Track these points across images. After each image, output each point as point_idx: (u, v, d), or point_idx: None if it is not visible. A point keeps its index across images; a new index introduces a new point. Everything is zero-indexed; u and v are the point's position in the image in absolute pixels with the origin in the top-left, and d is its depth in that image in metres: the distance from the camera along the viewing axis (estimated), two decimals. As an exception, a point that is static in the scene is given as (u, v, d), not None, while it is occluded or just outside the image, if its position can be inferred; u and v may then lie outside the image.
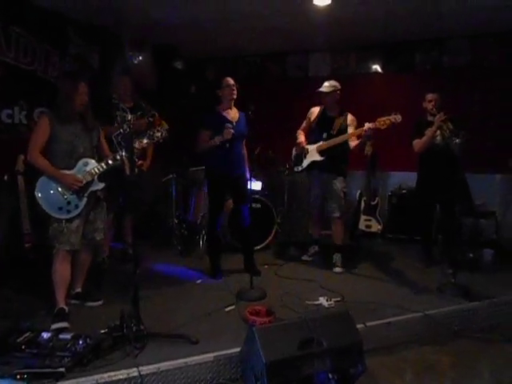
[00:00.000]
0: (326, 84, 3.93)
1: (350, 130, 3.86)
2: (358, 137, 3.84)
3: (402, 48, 5.42)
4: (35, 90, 4.11)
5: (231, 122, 3.59)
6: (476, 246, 4.34)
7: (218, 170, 3.66)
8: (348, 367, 2.25)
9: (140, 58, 4.42)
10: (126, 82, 4.03)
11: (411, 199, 4.90)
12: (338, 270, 3.96)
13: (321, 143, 3.96)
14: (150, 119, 3.91)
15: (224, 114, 3.64)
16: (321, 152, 3.95)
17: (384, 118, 3.58)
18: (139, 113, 3.95)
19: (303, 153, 4.07)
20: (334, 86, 3.92)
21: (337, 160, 3.94)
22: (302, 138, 4.10)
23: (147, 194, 4.41)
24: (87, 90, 2.88)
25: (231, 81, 3.61)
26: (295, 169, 4.19)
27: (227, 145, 3.52)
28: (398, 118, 3.55)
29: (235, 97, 3.62)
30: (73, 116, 2.85)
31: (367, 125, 3.64)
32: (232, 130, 3.48)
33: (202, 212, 4.75)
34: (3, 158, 3.66)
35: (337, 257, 4.03)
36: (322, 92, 3.92)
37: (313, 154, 4.00)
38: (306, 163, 4.06)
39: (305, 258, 4.34)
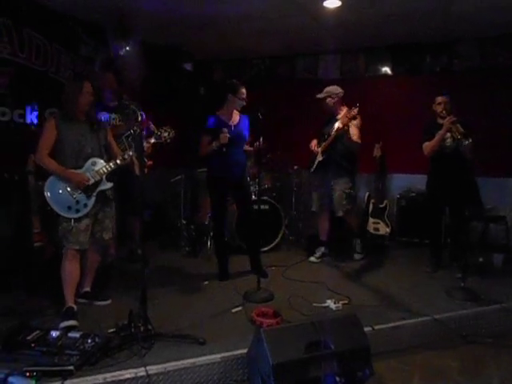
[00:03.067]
0: (324, 90, 4.17)
1: (351, 128, 3.99)
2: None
3: (412, 50, 5.38)
4: (47, 91, 4.15)
5: (229, 126, 3.60)
6: (486, 250, 4.29)
7: (217, 174, 3.68)
8: (355, 370, 2.24)
9: (127, 48, 4.13)
10: (110, 79, 3.86)
11: (420, 202, 4.86)
12: (357, 256, 4.18)
13: (323, 144, 4.17)
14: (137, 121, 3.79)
15: (223, 117, 3.65)
16: (322, 152, 4.15)
17: (344, 118, 3.90)
18: (126, 111, 3.59)
19: (314, 155, 4.25)
20: (327, 92, 4.15)
21: (339, 160, 4.09)
22: (313, 142, 4.28)
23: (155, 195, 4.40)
24: (92, 89, 2.90)
25: (245, 93, 3.60)
26: (310, 170, 4.40)
27: (224, 149, 3.52)
28: (354, 111, 3.85)
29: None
30: (78, 115, 2.88)
31: (337, 125, 3.97)
32: (227, 135, 3.48)
33: (209, 213, 4.75)
34: (14, 157, 3.70)
35: (356, 242, 4.28)
36: (317, 98, 4.17)
37: (318, 156, 4.20)
38: (314, 164, 4.25)
39: (312, 259, 4.34)
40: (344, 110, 4.08)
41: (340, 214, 4.12)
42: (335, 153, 4.06)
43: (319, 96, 4.15)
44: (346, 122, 3.89)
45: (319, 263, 4.28)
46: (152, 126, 3.74)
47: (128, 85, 4.10)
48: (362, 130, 4.07)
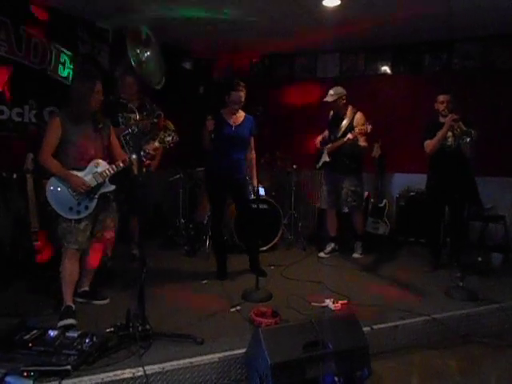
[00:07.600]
0: (331, 92, 4.19)
1: (356, 130, 4.05)
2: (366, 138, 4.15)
3: (412, 49, 5.37)
4: (45, 90, 4.15)
5: (229, 125, 3.57)
6: (485, 249, 4.29)
7: (213, 171, 3.67)
8: (354, 370, 2.24)
9: (148, 53, 4.20)
10: (131, 82, 3.94)
11: (420, 201, 4.86)
12: (356, 255, 4.34)
13: (329, 145, 4.27)
14: (155, 120, 3.86)
15: (225, 116, 3.61)
16: (329, 153, 4.26)
17: (361, 128, 3.94)
18: (145, 113, 3.90)
19: (321, 152, 4.37)
20: (338, 94, 4.16)
21: (345, 160, 4.20)
22: (317, 138, 4.38)
23: (154, 194, 4.39)
24: (102, 89, 2.86)
25: (242, 97, 3.49)
26: (316, 166, 4.49)
27: (212, 135, 3.45)
28: (369, 128, 3.90)
29: (239, 108, 3.58)
30: (86, 116, 2.83)
31: (348, 136, 4.01)
32: (212, 121, 3.42)
33: (208, 212, 4.75)
34: (12, 156, 3.69)
35: (357, 245, 4.39)
36: (327, 102, 4.19)
37: (324, 156, 4.31)
38: (320, 162, 4.38)
39: (322, 255, 4.43)
40: (349, 109, 4.17)
41: (345, 210, 4.29)
42: (342, 154, 4.19)
43: (329, 99, 4.15)
44: (356, 135, 3.98)
45: (318, 263, 4.28)
46: (169, 124, 3.84)
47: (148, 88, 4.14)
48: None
